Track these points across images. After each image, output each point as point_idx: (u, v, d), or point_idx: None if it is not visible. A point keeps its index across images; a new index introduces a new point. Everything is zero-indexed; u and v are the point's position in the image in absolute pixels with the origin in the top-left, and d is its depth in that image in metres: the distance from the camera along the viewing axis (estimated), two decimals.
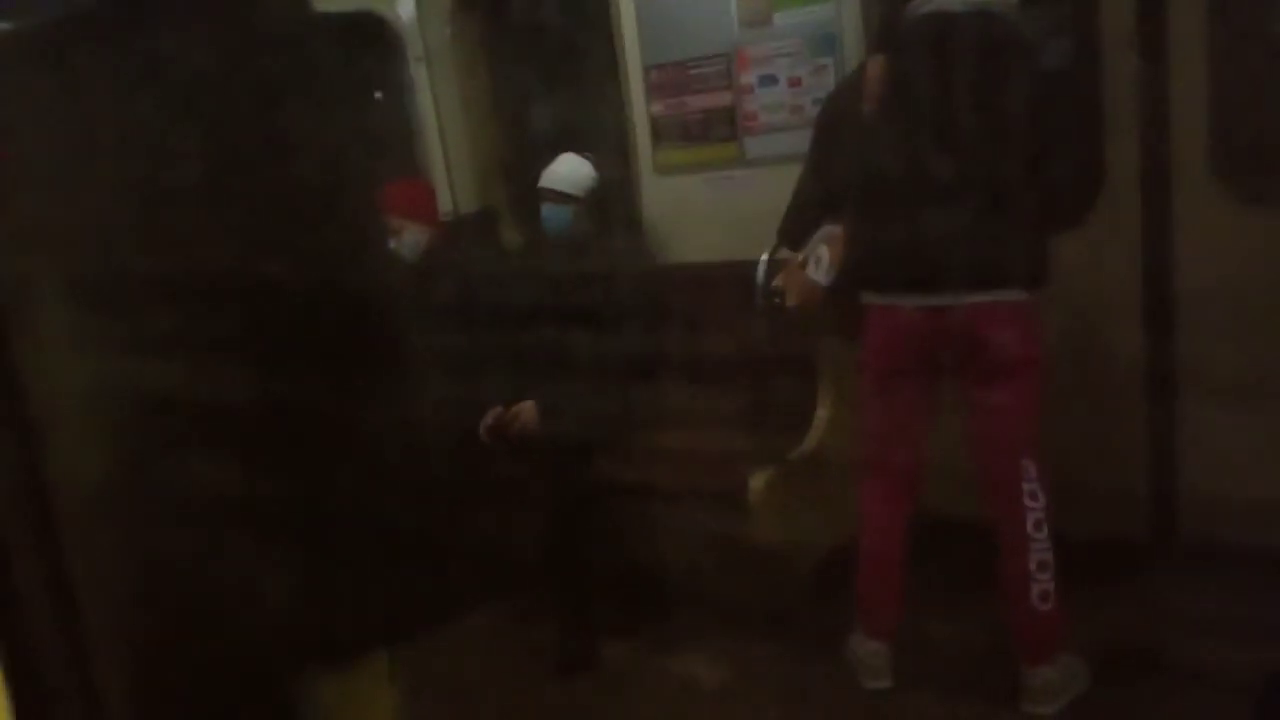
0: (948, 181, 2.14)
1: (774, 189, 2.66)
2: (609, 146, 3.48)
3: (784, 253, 2.62)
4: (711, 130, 3.23)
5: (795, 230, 2.54)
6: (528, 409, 2.97)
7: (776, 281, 2.58)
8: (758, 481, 2.65)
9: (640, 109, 3.34)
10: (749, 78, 3.12)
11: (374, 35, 3.85)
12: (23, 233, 0.63)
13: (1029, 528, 2.20)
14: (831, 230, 2.39)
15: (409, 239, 3.25)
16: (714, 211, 3.22)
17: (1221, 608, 2.30)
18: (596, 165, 3.16)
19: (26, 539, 0.62)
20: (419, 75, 3.85)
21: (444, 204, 3.78)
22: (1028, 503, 2.20)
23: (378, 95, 4.06)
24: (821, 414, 2.87)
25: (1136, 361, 2.53)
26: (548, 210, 3.12)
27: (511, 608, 3.09)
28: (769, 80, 3.09)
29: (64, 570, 0.63)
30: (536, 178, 3.18)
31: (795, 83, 3.04)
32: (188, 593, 1.10)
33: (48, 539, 0.63)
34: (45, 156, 0.85)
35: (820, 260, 2.38)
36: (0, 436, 0.61)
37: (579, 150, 3.20)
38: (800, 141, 2.61)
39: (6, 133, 0.69)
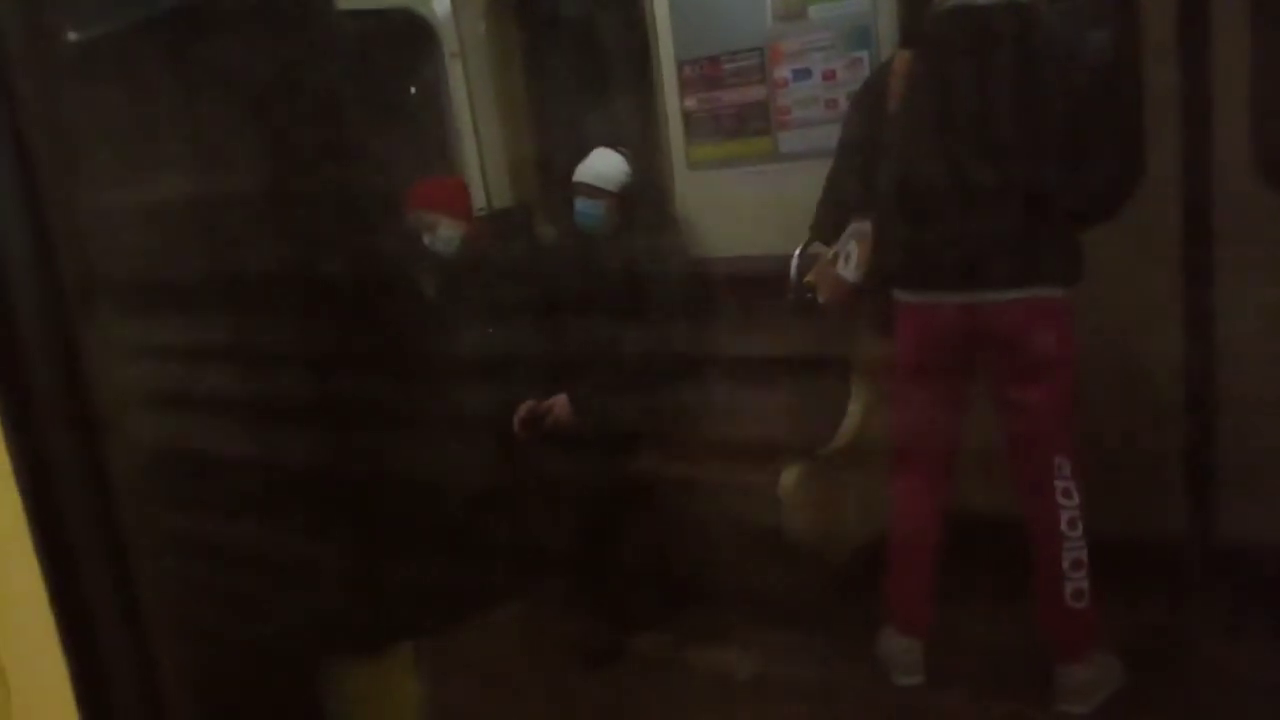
0: (975, 178, 2.13)
1: (808, 183, 2.66)
2: (642, 141, 3.49)
3: (817, 248, 2.62)
4: (745, 125, 3.23)
5: (827, 225, 2.54)
6: (560, 403, 2.99)
7: (808, 277, 2.58)
8: (789, 476, 2.65)
9: (673, 104, 3.35)
10: (783, 72, 3.11)
11: (409, 31, 3.89)
12: (88, 232, 0.66)
13: (1063, 526, 2.19)
14: (861, 227, 2.38)
15: (443, 234, 3.28)
16: (747, 206, 3.22)
17: (1257, 607, 2.27)
18: (630, 160, 3.17)
19: (90, 528, 0.65)
20: (453, 71, 3.88)
21: (478, 199, 3.82)
22: (1061, 500, 2.19)
23: (412, 91, 4.10)
24: (854, 409, 2.87)
25: (1174, 359, 2.50)
26: (581, 205, 3.14)
27: (542, 599, 3.12)
28: (803, 74, 3.08)
29: (124, 558, 0.66)
30: (570, 173, 3.20)
31: (829, 76, 3.03)
32: (232, 580, 1.13)
33: (109, 527, 0.66)
34: (109, 158, 0.89)
35: (850, 257, 2.37)
36: (65, 428, 0.64)
37: (613, 145, 3.21)
38: (834, 136, 2.60)
39: (77, 136, 0.72)
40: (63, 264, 0.63)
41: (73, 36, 0.87)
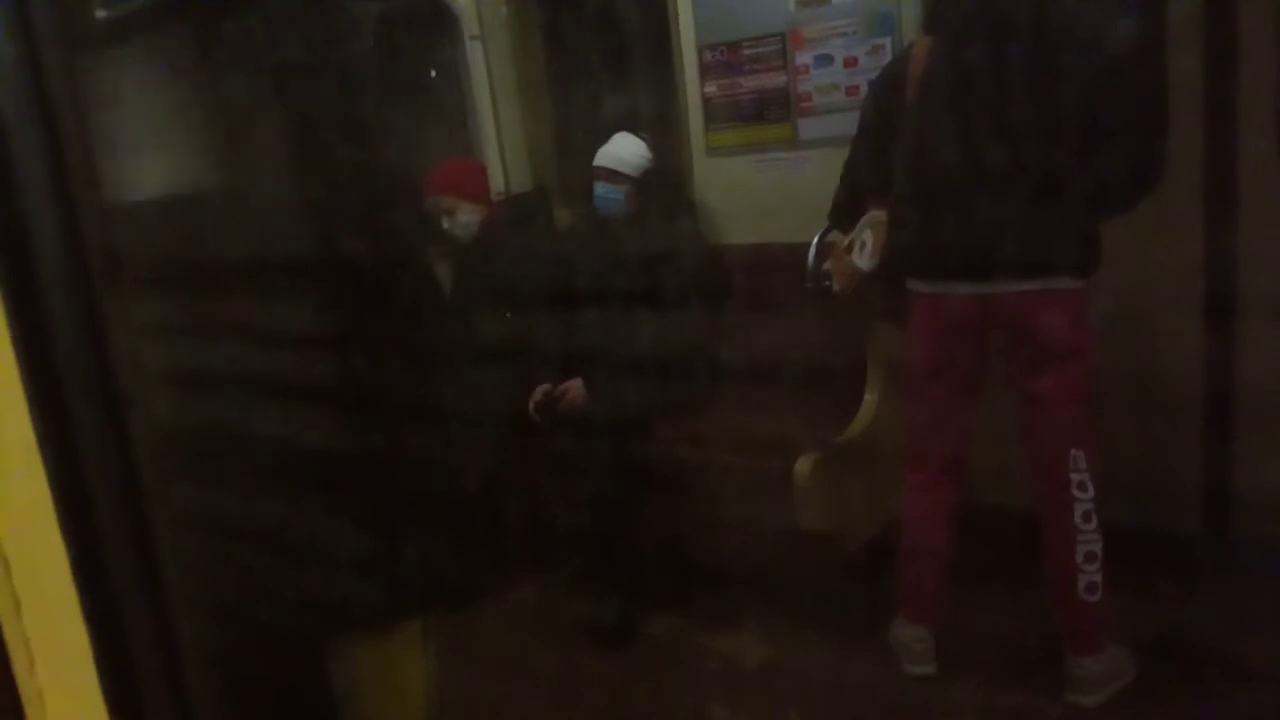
0: (992, 167, 2.10)
1: (827, 171, 2.65)
2: (661, 127, 3.48)
3: (835, 235, 2.61)
4: (765, 111, 3.21)
5: (844, 213, 2.53)
6: (575, 387, 3.00)
7: (826, 265, 2.57)
8: (804, 464, 2.65)
9: (694, 90, 3.34)
10: (804, 58, 3.10)
11: (430, 14, 3.88)
12: (114, 209, 0.67)
13: (1077, 519, 2.18)
14: (877, 215, 2.37)
15: (462, 219, 3.29)
16: (766, 193, 3.21)
17: (1272, 601, 2.26)
18: (650, 145, 3.16)
19: (114, 502, 0.66)
20: (474, 54, 3.88)
21: (496, 183, 3.82)
22: (1076, 493, 2.18)
23: (433, 74, 4.10)
24: (870, 398, 2.86)
25: (1194, 352, 2.48)
26: (600, 189, 3.14)
27: (555, 581, 3.14)
28: (824, 60, 3.06)
29: (147, 532, 0.67)
30: (589, 157, 3.20)
31: (851, 63, 3.01)
32: (247, 555, 1.14)
33: (133, 499, 0.67)
34: (135, 136, 0.90)
35: (864, 246, 2.36)
36: (90, 404, 0.65)
37: (633, 130, 3.20)
38: (855, 123, 2.59)
39: (103, 113, 0.73)
40: (88, 241, 0.63)
41: (100, 14, 0.87)
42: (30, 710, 0.68)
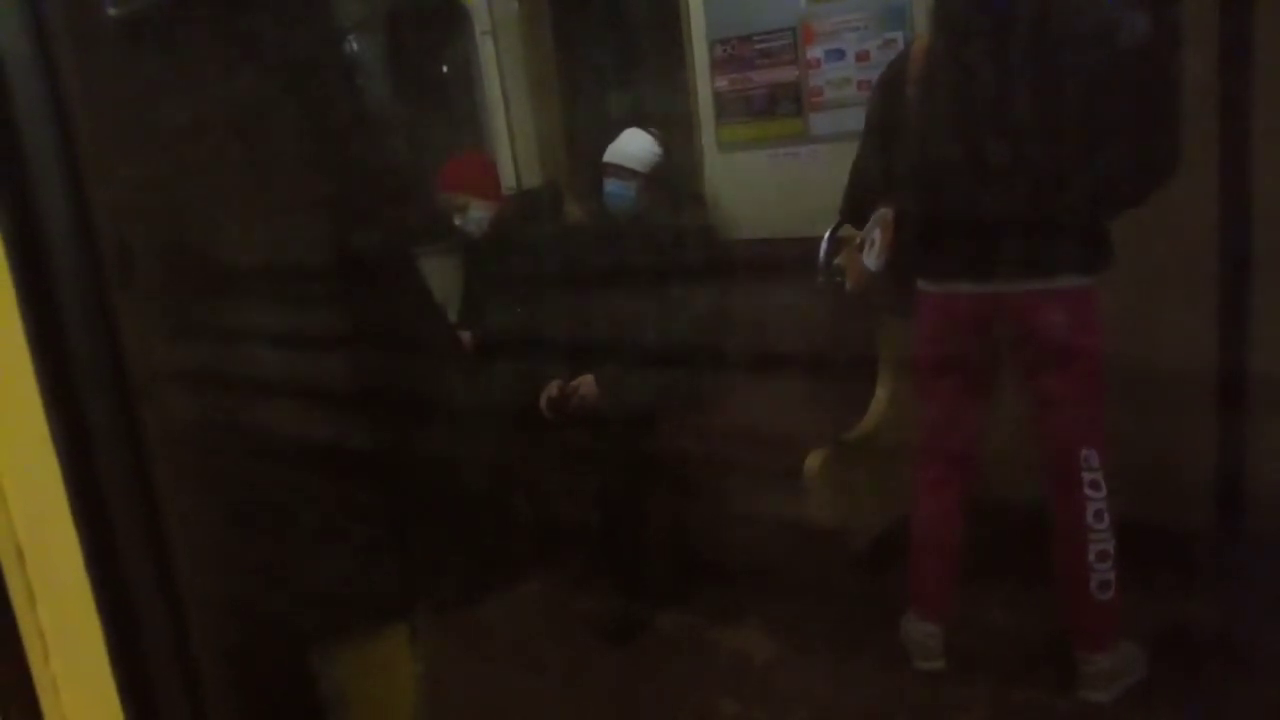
0: (993, 165, 2.08)
1: (838, 166, 2.63)
2: (672, 122, 3.48)
3: (847, 230, 2.60)
4: (776, 106, 3.21)
5: (855, 209, 2.52)
6: (587, 383, 3.00)
7: (838, 260, 2.56)
8: (814, 460, 2.65)
9: (704, 84, 3.33)
10: (815, 52, 3.09)
11: (442, 9, 3.89)
12: (125, 205, 0.68)
13: (1089, 518, 2.17)
14: (885, 214, 2.35)
15: (473, 214, 3.30)
16: (777, 188, 3.20)
17: None
18: (660, 141, 3.16)
19: (128, 492, 0.67)
20: (485, 50, 3.88)
21: (507, 179, 3.82)
22: (1088, 493, 2.16)
23: (444, 69, 4.11)
24: (881, 394, 2.86)
25: (1207, 348, 2.46)
26: (611, 185, 3.14)
27: (563, 575, 3.15)
28: (836, 55, 3.05)
29: (159, 526, 0.68)
30: (600, 153, 3.20)
31: (863, 57, 3.00)
32: (249, 551, 1.14)
33: (145, 492, 0.68)
34: (146, 133, 0.91)
35: (873, 244, 2.35)
36: (103, 398, 0.65)
37: (643, 125, 3.20)
38: None
39: (115, 110, 0.74)
40: (101, 236, 0.64)
41: (111, 11, 0.88)
42: (45, 699, 0.69)
